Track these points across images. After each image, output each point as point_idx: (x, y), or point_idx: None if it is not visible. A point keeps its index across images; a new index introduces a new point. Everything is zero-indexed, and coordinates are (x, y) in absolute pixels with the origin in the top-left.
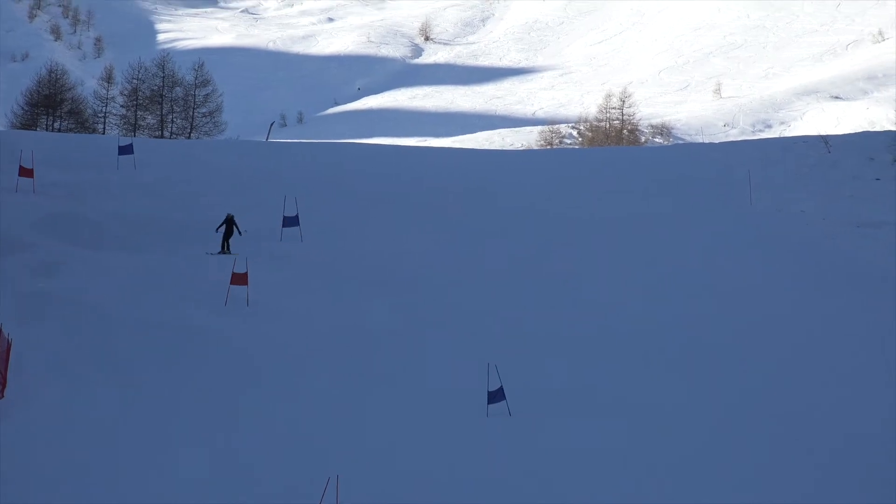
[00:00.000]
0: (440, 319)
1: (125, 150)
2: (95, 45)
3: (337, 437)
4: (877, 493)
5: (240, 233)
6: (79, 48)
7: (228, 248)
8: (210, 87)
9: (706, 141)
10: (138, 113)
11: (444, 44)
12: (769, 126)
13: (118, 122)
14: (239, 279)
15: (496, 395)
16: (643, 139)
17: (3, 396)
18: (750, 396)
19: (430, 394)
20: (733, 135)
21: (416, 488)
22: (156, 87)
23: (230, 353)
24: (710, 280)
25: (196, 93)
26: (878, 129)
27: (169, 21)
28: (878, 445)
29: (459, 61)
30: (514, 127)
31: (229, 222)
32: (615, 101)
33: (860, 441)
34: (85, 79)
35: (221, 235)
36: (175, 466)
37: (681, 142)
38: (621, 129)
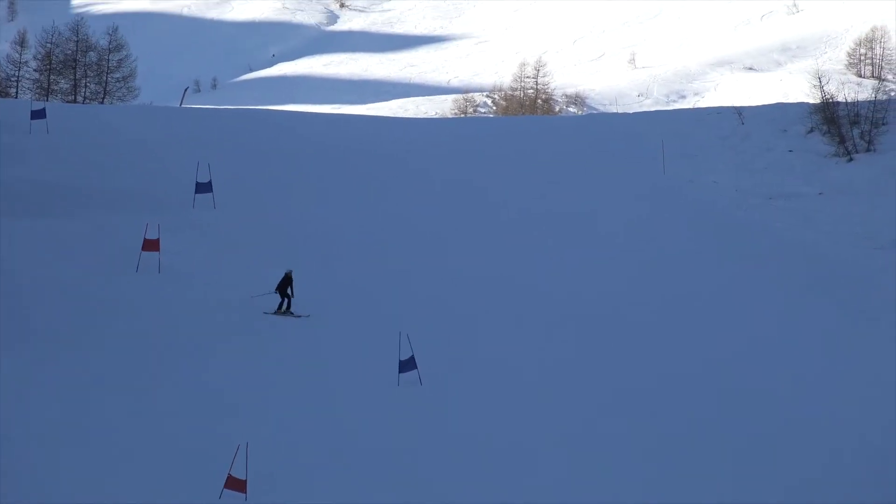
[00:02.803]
0: (353, 288)
1: (38, 114)
2: (9, 8)
3: (246, 405)
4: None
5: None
6: None
7: (289, 308)
8: (124, 52)
9: (620, 111)
10: (51, 77)
11: (360, 11)
12: (683, 97)
13: (31, 86)
14: (151, 245)
15: (407, 365)
16: (557, 109)
17: None
18: (661, 364)
19: (340, 363)
20: (647, 105)
21: (322, 456)
22: (69, 52)
23: (141, 319)
24: (620, 249)
25: (110, 58)
26: (791, 100)
27: None
28: (789, 405)
29: (375, 28)
30: (429, 95)
31: (287, 281)
32: (530, 71)
33: (770, 403)
34: None
35: (278, 292)
36: (85, 430)
37: (595, 112)
38: (535, 99)
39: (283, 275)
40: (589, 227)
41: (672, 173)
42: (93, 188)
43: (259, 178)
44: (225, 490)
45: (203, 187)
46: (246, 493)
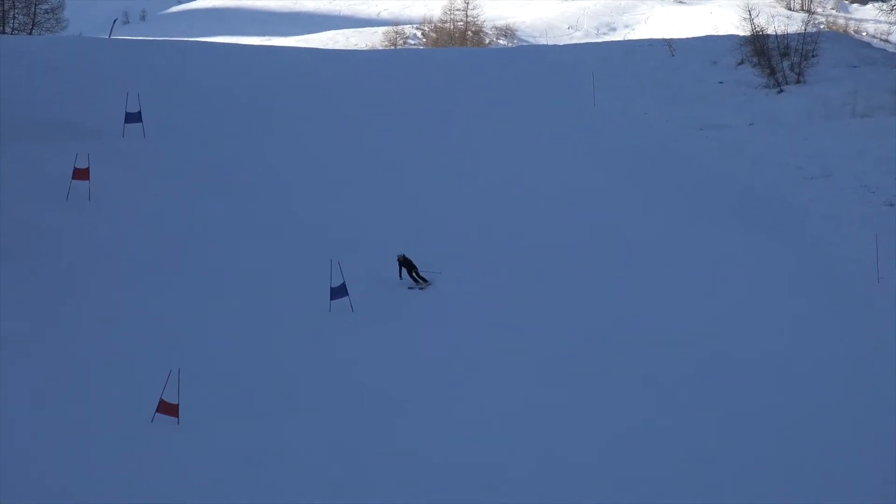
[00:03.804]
0: (283, 220)
1: None
2: None
3: (178, 331)
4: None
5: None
6: None
7: (423, 279)
8: None
9: (550, 43)
10: None
11: None
12: (613, 29)
13: None
14: (80, 174)
15: (338, 292)
16: (487, 41)
17: None
18: (584, 294)
19: (272, 291)
20: (578, 38)
21: (256, 379)
22: None
23: (70, 248)
24: (551, 182)
25: None
26: (721, 33)
27: None
28: (714, 339)
29: None
30: (359, 27)
31: (404, 263)
32: (459, 3)
33: (694, 335)
34: None
35: (406, 275)
36: (9, 359)
37: (525, 44)
38: (465, 31)
39: (398, 264)
40: (517, 160)
41: (602, 105)
42: (21, 118)
43: (189, 109)
44: (157, 414)
45: (132, 117)
46: (178, 417)
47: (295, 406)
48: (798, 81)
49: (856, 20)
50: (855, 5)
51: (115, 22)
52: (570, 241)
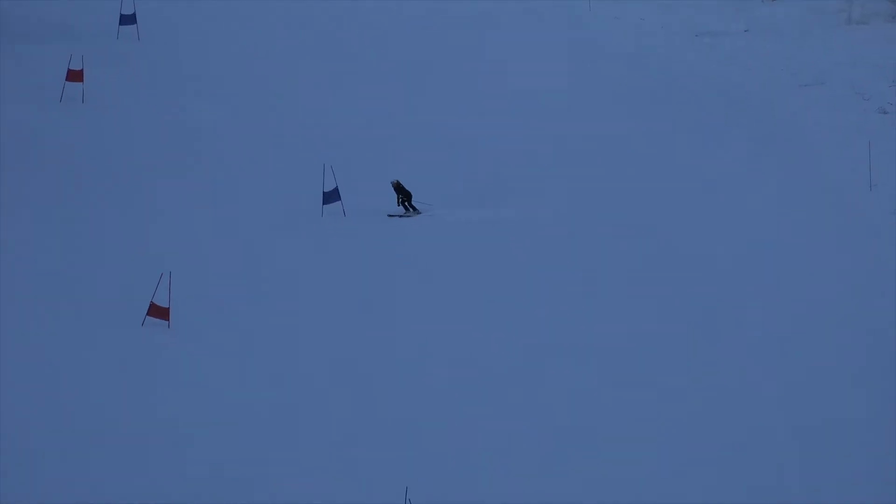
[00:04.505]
0: (280, 123)
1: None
2: None
3: (171, 234)
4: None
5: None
6: None
7: (415, 208)
8: None
9: None
10: None
11: None
12: None
13: None
14: (75, 76)
15: (331, 196)
16: None
17: None
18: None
19: (266, 194)
20: None
21: (247, 281)
22: None
23: (64, 150)
24: (544, 88)
25: None
26: None
27: None
28: (703, 240)
29: None
30: None
31: (399, 189)
32: None
33: (684, 237)
34: None
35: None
36: (11, 260)
37: None
38: None
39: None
40: (511, 64)
41: (598, 10)
42: (15, 18)
43: (183, 11)
44: (147, 317)
45: (127, 19)
46: (169, 320)
47: (287, 307)
48: None
49: None
50: None
51: None
52: (565, 150)
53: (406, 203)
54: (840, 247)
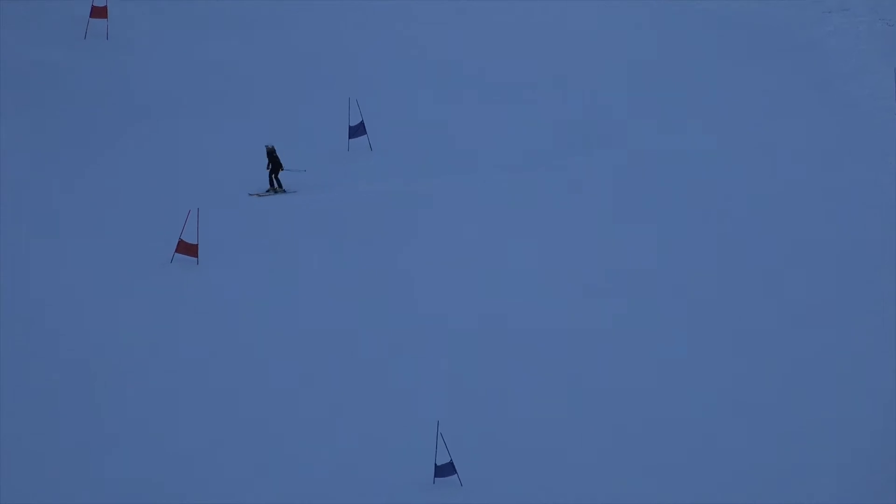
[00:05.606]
0: (305, 59)
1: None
2: None
3: (196, 169)
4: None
5: (280, 168)
6: None
7: (279, 184)
8: None
9: None
10: None
11: None
12: None
13: None
14: (99, 12)
15: (357, 130)
16: None
17: None
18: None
19: (294, 126)
20: None
21: (274, 215)
22: None
23: (87, 88)
24: (570, 21)
25: None
26: None
27: None
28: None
29: None
30: None
31: (271, 155)
32: None
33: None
34: None
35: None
36: (45, 184)
37: None
38: None
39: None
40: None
41: None
42: None
43: None
44: (176, 254)
45: None
46: (197, 257)
47: (313, 239)
48: None
49: None
50: None
51: None
52: (597, 76)
53: (273, 176)
54: (860, 170)
